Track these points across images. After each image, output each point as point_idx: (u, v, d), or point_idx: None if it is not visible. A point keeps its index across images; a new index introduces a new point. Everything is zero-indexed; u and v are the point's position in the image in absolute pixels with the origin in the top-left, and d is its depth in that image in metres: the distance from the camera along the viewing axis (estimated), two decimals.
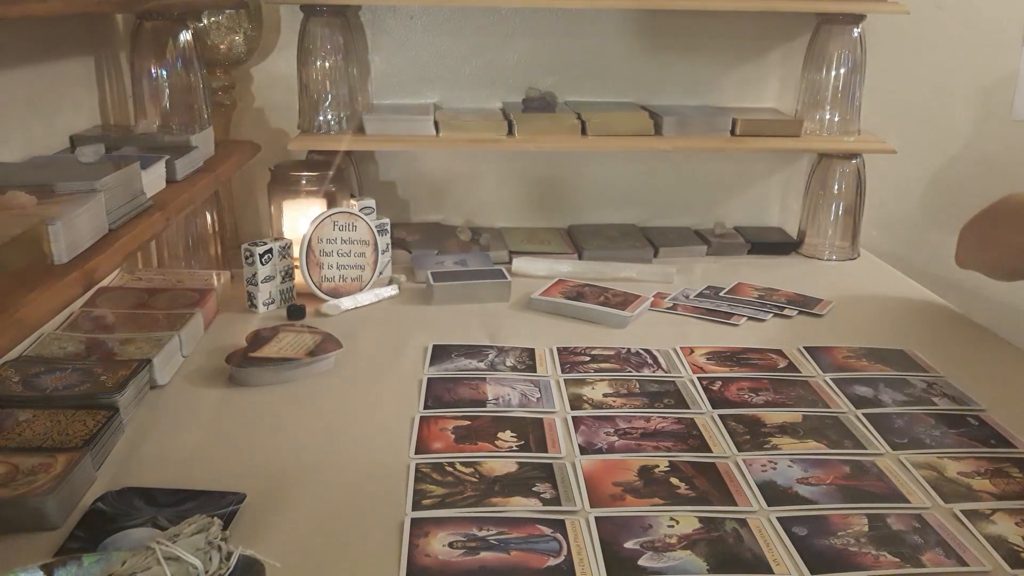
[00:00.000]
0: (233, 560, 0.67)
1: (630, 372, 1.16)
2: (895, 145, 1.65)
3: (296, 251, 1.35)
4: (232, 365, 1.11)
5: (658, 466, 0.93)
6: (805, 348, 1.24)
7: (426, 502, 0.85)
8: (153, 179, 1.18)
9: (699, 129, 1.61)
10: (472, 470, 0.91)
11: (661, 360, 1.20)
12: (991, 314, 1.41)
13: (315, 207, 1.42)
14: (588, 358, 1.20)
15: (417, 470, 0.91)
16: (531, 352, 1.21)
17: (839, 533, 0.82)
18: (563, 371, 1.16)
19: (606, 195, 1.78)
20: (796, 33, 1.71)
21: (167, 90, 1.42)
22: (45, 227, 0.89)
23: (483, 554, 0.78)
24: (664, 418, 1.04)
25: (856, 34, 1.61)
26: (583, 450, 0.96)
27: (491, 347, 1.22)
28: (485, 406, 1.06)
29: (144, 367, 1.06)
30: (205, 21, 1.53)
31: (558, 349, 1.22)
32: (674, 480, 0.91)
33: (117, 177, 1.05)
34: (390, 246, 1.47)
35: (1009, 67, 1.77)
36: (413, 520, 0.83)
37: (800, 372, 1.17)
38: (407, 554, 0.78)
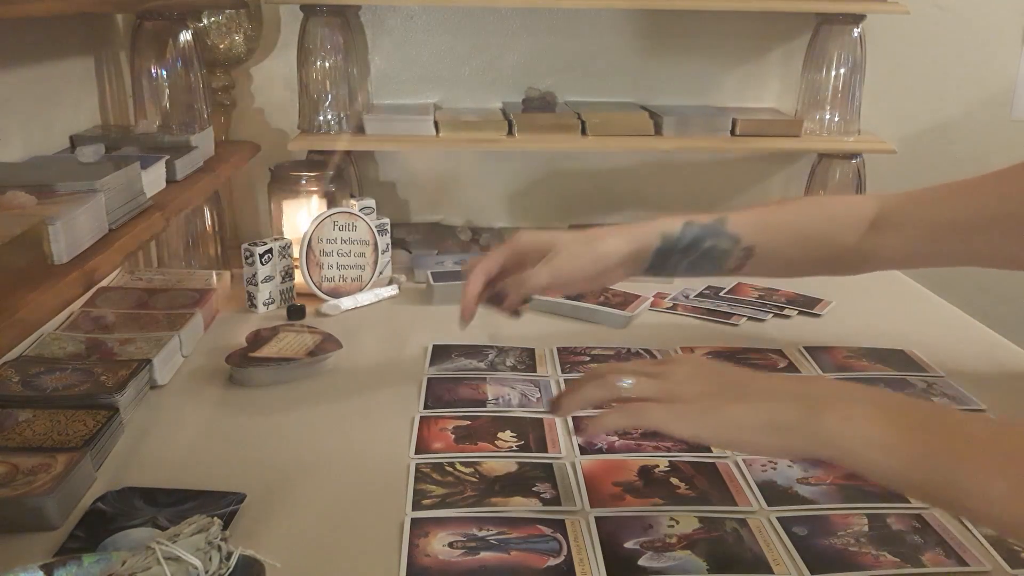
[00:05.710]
0: (233, 560, 0.67)
1: None
2: (895, 145, 1.65)
3: (296, 251, 1.35)
4: (232, 365, 1.11)
5: (658, 466, 0.93)
6: (805, 348, 1.24)
7: (426, 502, 0.85)
8: (153, 179, 1.19)
9: (699, 129, 1.61)
10: (472, 470, 0.91)
11: None
12: (991, 314, 1.41)
13: (315, 207, 1.42)
14: (588, 358, 1.20)
15: (417, 470, 0.91)
16: (531, 352, 1.21)
17: (839, 533, 0.82)
18: (563, 371, 1.16)
19: (606, 195, 1.78)
20: (796, 33, 1.71)
21: (167, 90, 1.43)
22: (45, 227, 0.89)
23: (483, 554, 0.78)
24: None
25: (856, 34, 1.61)
26: (583, 450, 0.96)
27: (491, 347, 1.22)
28: (485, 406, 1.06)
29: (144, 367, 1.06)
30: (205, 21, 1.53)
31: (558, 349, 1.22)
32: (674, 480, 0.91)
33: (117, 177, 1.05)
34: (390, 246, 1.47)
35: (1009, 67, 1.77)
36: (413, 520, 0.82)
37: (800, 372, 1.17)
38: (407, 554, 0.77)
